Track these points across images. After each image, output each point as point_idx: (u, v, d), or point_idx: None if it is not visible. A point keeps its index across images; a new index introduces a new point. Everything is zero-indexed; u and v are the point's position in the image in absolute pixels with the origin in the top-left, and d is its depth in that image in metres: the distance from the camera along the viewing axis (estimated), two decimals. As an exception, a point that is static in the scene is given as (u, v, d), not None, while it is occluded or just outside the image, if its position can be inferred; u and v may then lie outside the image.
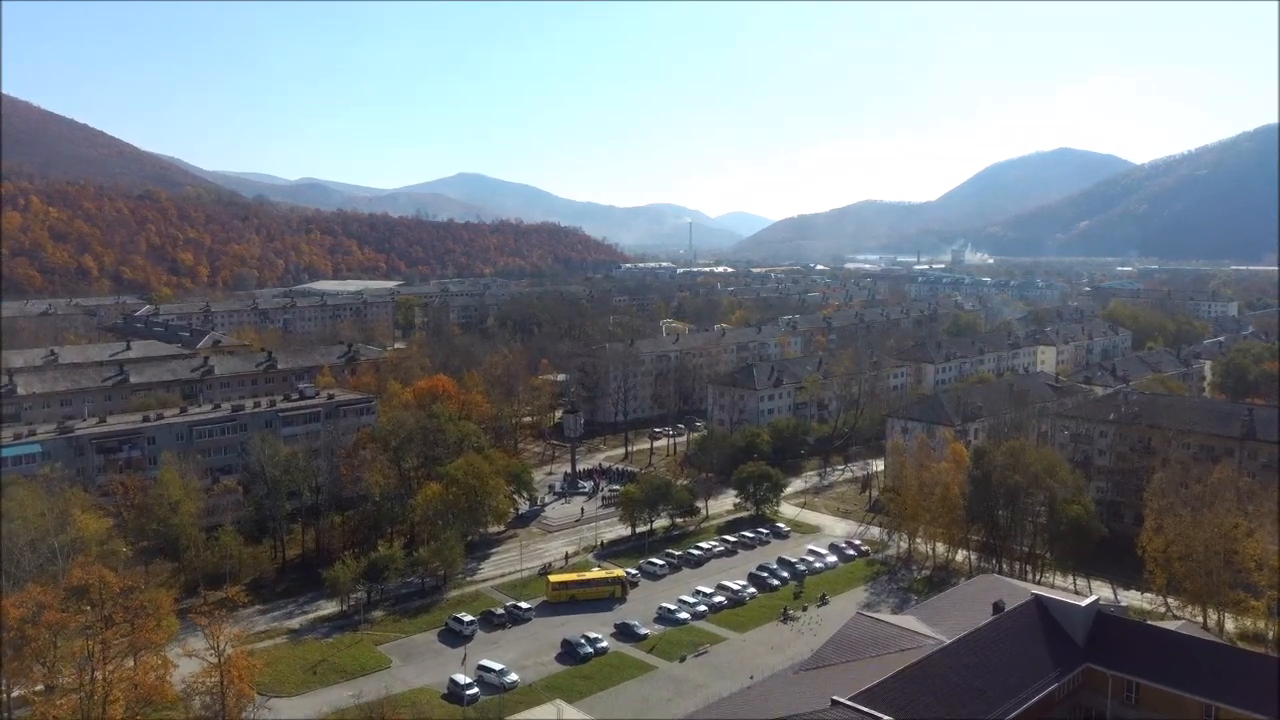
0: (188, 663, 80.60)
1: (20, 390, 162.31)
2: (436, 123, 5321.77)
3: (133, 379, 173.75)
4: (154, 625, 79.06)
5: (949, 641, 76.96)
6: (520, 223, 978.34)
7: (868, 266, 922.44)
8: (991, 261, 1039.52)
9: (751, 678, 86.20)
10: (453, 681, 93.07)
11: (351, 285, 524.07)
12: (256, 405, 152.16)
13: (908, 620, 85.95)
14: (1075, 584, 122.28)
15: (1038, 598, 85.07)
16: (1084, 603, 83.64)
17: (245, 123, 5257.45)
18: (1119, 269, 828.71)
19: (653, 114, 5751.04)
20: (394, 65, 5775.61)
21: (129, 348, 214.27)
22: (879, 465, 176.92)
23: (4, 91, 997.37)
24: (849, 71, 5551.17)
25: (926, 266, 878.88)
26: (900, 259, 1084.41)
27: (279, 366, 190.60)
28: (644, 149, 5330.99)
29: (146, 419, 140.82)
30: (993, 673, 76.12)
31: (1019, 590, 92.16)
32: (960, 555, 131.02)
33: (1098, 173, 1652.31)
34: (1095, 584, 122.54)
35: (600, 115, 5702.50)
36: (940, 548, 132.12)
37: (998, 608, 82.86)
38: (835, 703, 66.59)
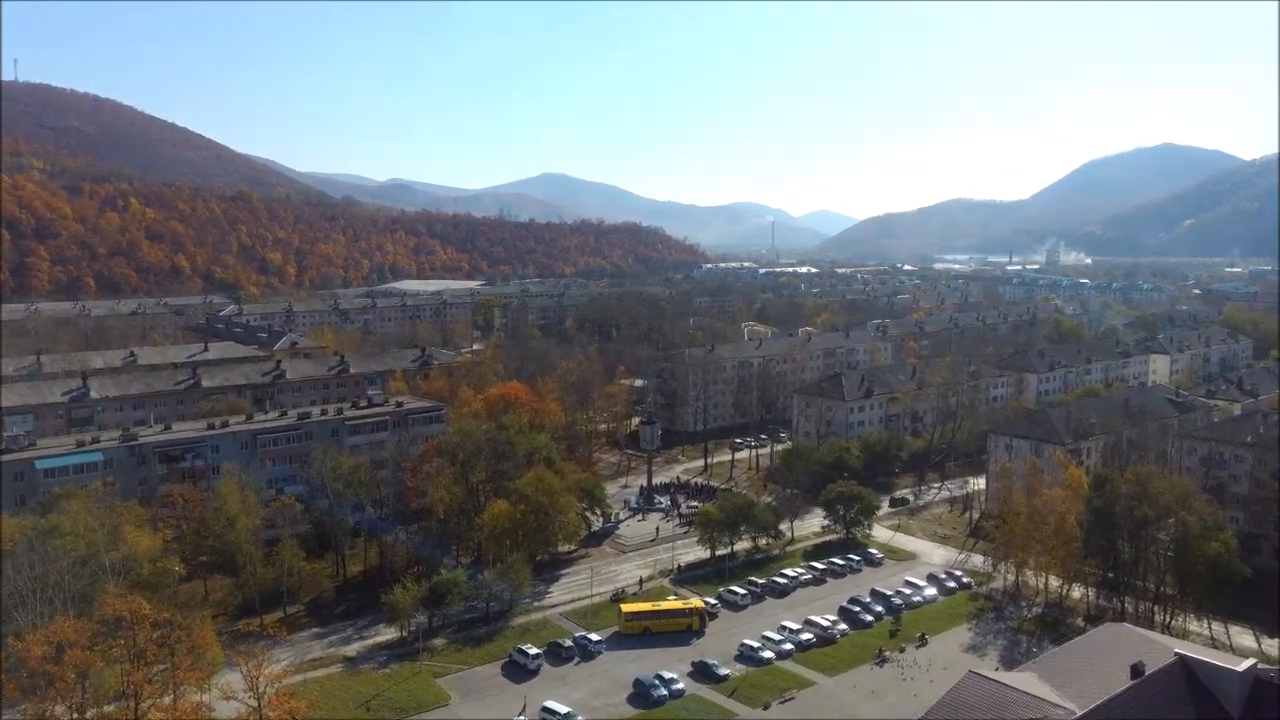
0: (232, 700, 74.28)
1: (93, 393, 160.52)
2: (521, 124, 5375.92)
3: (205, 383, 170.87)
4: (190, 663, 72.68)
5: (1080, 713, 65.82)
6: (601, 222, 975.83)
7: (957, 267, 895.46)
8: (1089, 262, 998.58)
9: (848, 745, 76.33)
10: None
11: (433, 285, 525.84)
12: (323, 413, 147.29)
13: (1028, 680, 74.26)
14: (1211, 630, 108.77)
15: (1183, 658, 73.04)
16: (1240, 667, 71.27)
17: (337, 125, 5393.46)
18: (1227, 270, 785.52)
19: (734, 112, 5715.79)
20: (481, 67, 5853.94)
21: (206, 349, 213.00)
22: (978, 483, 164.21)
23: (109, 97, 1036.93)
24: (936, 68, 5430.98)
25: (1020, 267, 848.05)
26: (991, 259, 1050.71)
27: (351, 371, 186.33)
28: (725, 148, 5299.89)
29: (211, 426, 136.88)
30: (1134, 752, 64.95)
31: (1155, 645, 79.33)
32: (1076, 592, 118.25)
33: (1204, 169, 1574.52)
34: (1234, 630, 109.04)
35: (682, 114, 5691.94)
36: (1053, 582, 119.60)
37: (1136, 671, 71.09)
38: (949, 790, 56.37)
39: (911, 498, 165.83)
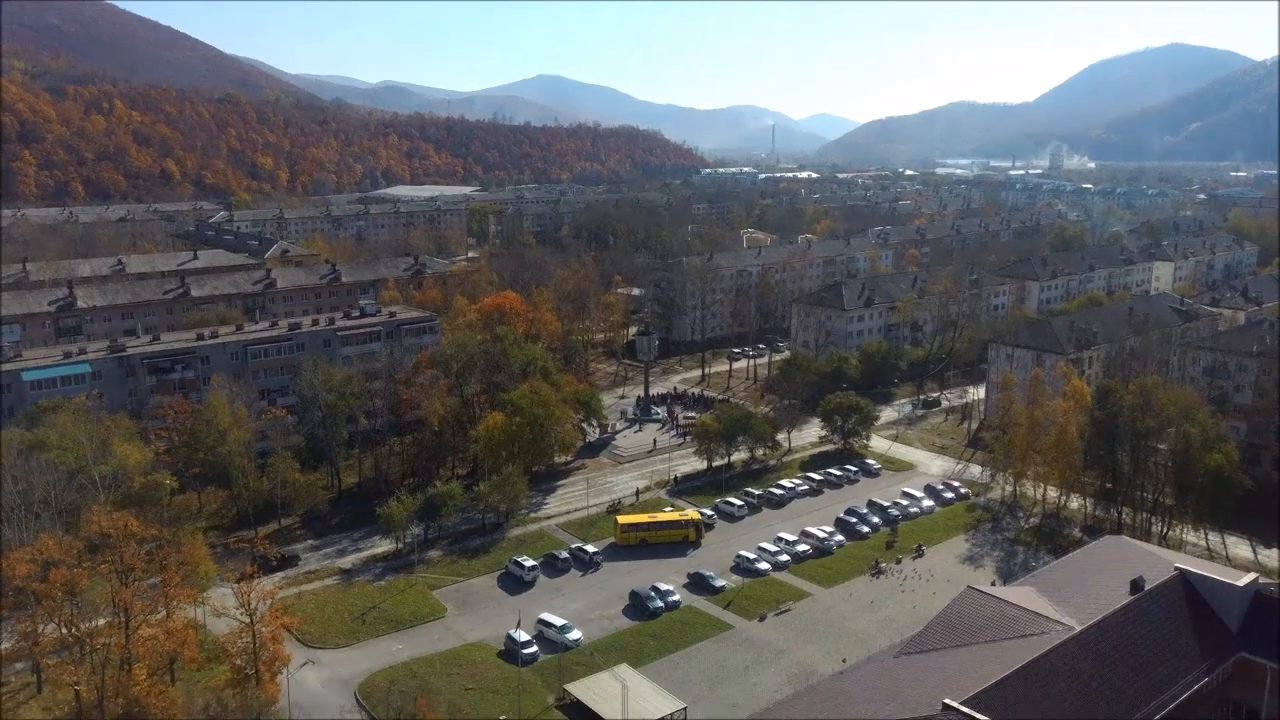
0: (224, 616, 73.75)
1: (81, 303, 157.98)
2: (516, 22, 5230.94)
3: (194, 292, 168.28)
4: (179, 579, 71.85)
5: (1079, 629, 65.31)
6: (598, 126, 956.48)
7: (959, 172, 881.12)
8: (1092, 166, 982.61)
9: (845, 660, 76.03)
10: (510, 638, 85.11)
11: (427, 191, 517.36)
12: (314, 324, 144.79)
13: (1026, 594, 73.93)
14: (1208, 541, 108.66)
15: (1183, 573, 72.40)
16: (1241, 582, 70.70)
17: (328, 25, 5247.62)
18: (1232, 174, 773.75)
19: (735, 9, 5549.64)
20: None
21: (196, 257, 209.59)
22: (978, 392, 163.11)
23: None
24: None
25: (1023, 172, 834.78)
26: (993, 163, 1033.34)
27: (343, 280, 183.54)
28: (725, 48, 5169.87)
29: (200, 337, 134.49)
30: (1133, 667, 64.42)
31: (1155, 558, 79.10)
32: (1074, 503, 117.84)
33: (1214, 70, 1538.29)
34: (1230, 540, 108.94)
35: (681, 11, 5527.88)
36: (1051, 493, 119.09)
37: (1136, 586, 70.45)
38: (948, 707, 55.83)
39: (943, 399, 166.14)
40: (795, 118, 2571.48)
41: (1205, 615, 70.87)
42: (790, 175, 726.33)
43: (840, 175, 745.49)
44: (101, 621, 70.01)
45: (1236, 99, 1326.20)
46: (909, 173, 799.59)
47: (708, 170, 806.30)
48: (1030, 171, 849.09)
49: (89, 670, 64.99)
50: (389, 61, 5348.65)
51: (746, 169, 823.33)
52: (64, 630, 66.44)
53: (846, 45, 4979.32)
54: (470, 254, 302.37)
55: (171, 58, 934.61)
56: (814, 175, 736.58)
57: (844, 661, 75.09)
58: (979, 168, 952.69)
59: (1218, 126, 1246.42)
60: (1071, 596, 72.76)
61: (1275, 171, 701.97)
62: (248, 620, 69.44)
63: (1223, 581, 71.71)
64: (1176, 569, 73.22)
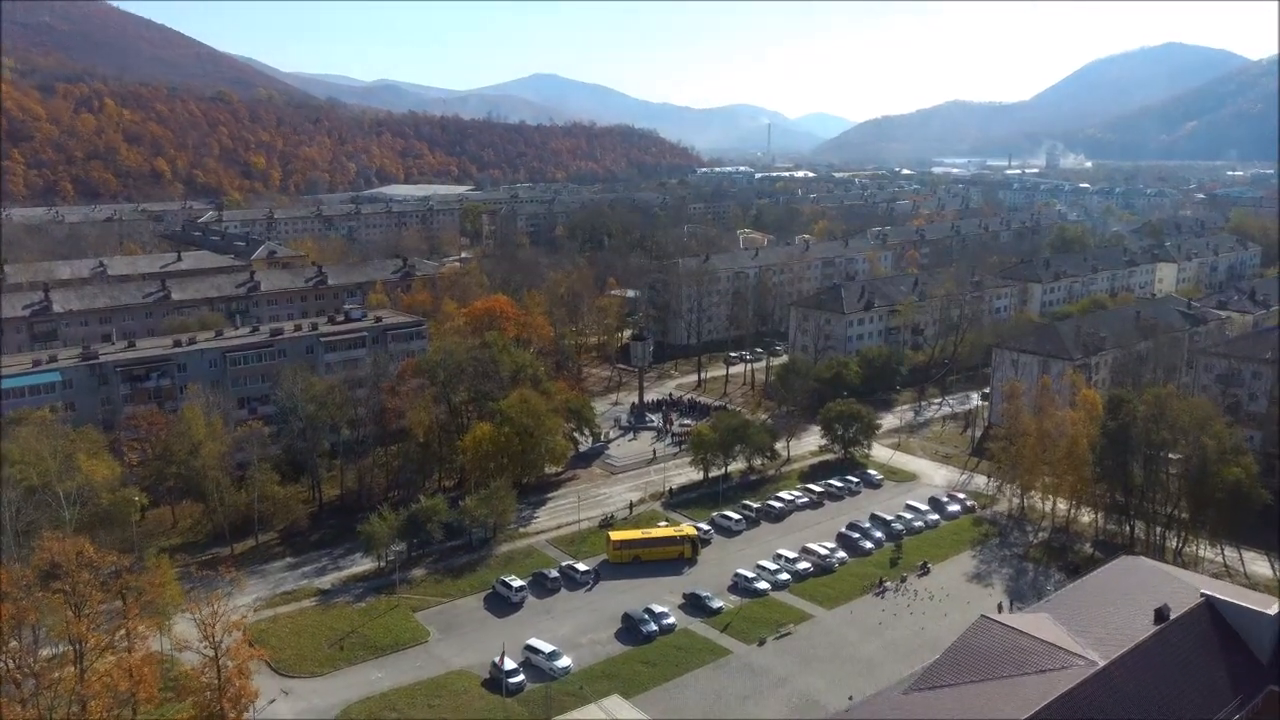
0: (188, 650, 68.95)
1: (57, 307, 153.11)
2: (511, 20, 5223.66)
3: (175, 295, 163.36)
4: (138, 610, 67.15)
5: (1103, 663, 60.88)
6: (593, 125, 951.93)
7: (956, 171, 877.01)
8: (1088, 165, 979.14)
9: (851, 698, 71.45)
10: (495, 666, 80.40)
11: (420, 190, 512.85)
12: (297, 329, 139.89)
13: (1043, 624, 69.32)
14: (1224, 556, 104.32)
15: (1209, 601, 68.02)
16: (1271, 609, 66.45)
17: (323, 23, 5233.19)
18: (1229, 173, 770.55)
19: (731, 8, 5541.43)
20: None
21: (179, 259, 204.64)
22: (980, 397, 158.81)
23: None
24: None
25: (1019, 171, 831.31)
26: (990, 163, 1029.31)
27: (329, 282, 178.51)
28: (721, 46, 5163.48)
29: (178, 343, 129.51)
30: (1160, 705, 60.11)
31: (1175, 582, 74.57)
32: (1085, 517, 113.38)
33: (1210, 69, 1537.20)
34: (1247, 556, 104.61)
35: (677, 9, 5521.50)
36: (1061, 505, 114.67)
37: (1160, 615, 66.03)
38: (964, 755, 51.49)
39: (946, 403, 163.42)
40: (791, 116, 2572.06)
41: (1234, 646, 66.40)
42: (787, 174, 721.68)
43: (837, 174, 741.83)
44: (60, 649, 65.49)
45: (1232, 98, 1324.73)
46: (906, 172, 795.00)
47: (704, 169, 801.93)
48: (1027, 171, 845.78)
49: (39, 710, 60.26)
50: (383, 60, 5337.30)
51: (743, 168, 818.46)
52: (11, 665, 61.69)
53: (842, 44, 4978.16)
54: (463, 254, 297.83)
55: (163, 55, 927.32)
56: (810, 174, 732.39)
57: (850, 699, 70.56)
58: (975, 167, 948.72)
59: (1214, 126, 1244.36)
60: (1091, 626, 68.24)
61: (1271, 171, 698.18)
62: (212, 654, 64.76)
63: (1251, 609, 67.26)
64: (1202, 595, 68.95)
